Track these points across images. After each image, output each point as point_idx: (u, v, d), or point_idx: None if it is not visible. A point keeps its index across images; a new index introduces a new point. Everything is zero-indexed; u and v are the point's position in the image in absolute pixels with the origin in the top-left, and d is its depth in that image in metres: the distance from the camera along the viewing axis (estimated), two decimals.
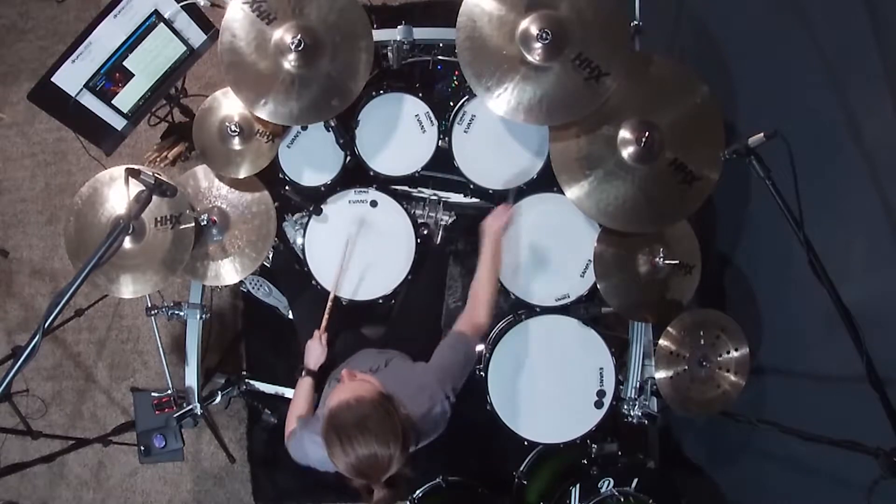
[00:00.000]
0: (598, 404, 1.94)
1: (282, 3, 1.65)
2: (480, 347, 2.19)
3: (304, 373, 1.82)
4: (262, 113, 1.68)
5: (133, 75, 1.80)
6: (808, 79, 1.70)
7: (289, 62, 1.65)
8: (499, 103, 1.61)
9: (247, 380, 2.29)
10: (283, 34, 1.64)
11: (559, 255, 1.95)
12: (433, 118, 1.94)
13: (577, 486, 1.93)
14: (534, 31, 1.57)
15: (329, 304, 1.86)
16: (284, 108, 1.67)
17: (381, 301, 2.00)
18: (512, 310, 2.11)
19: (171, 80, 1.89)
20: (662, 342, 1.79)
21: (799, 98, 1.75)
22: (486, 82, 1.60)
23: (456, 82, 2.16)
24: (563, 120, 1.66)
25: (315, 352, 1.83)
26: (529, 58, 1.59)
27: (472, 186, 1.99)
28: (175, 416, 1.95)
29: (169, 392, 1.97)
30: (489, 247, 1.72)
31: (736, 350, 1.78)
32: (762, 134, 1.39)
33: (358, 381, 1.39)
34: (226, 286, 2.00)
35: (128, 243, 1.77)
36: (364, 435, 1.24)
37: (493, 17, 1.60)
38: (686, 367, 1.78)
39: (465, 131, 1.93)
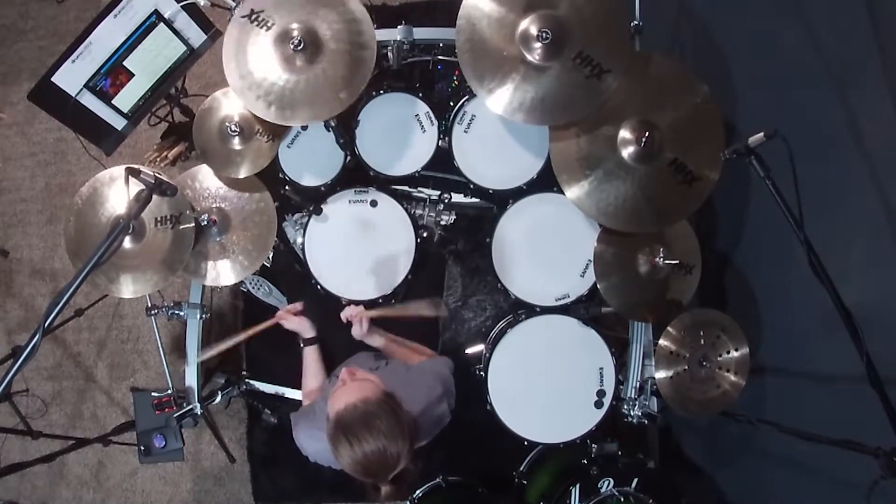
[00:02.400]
0: (598, 404, 1.94)
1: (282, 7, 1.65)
2: (479, 348, 2.20)
3: (302, 344, 1.85)
4: (262, 113, 1.68)
5: (133, 75, 1.80)
6: (809, 79, 1.69)
7: (292, 63, 1.65)
8: (499, 104, 1.60)
9: (247, 380, 2.29)
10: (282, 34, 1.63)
11: (559, 255, 1.95)
12: (433, 118, 1.94)
13: (577, 486, 1.93)
14: (533, 31, 1.57)
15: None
16: (288, 109, 1.67)
17: (380, 301, 2.00)
18: (512, 310, 2.11)
19: (171, 80, 1.89)
20: (662, 342, 1.79)
21: (799, 98, 1.75)
22: (488, 84, 1.59)
23: (456, 82, 2.16)
24: (563, 120, 1.66)
25: (297, 324, 1.84)
26: (529, 58, 1.59)
27: (472, 186, 1.98)
28: (175, 415, 1.95)
29: (169, 392, 1.97)
30: (381, 344, 1.82)
31: (736, 350, 1.78)
32: (762, 134, 1.39)
33: (360, 380, 1.40)
34: (226, 286, 2.00)
35: (128, 243, 1.76)
36: (373, 434, 1.25)
37: (492, 18, 1.59)
38: (686, 367, 1.78)
39: (465, 131, 1.93)
